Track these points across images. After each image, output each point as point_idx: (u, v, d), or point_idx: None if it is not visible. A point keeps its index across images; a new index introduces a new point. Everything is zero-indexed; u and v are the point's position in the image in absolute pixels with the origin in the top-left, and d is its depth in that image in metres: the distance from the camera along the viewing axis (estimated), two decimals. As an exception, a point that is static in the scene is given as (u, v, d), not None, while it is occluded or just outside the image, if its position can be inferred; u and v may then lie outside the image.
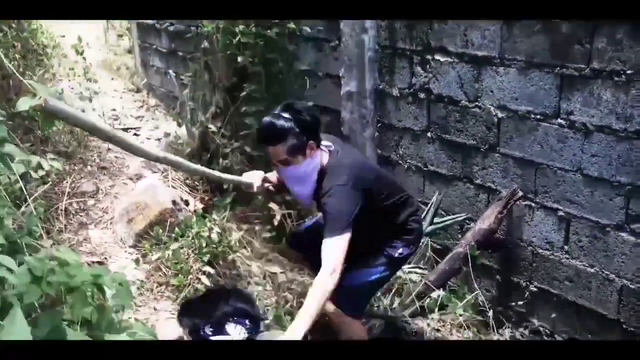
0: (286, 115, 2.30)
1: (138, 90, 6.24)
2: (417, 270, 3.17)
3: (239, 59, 3.70)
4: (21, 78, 1.67)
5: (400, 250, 2.51)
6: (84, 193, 3.73)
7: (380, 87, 3.54)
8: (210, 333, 2.29)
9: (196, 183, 4.09)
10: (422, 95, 3.31)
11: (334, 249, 2.18)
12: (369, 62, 3.52)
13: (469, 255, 2.96)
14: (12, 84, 3.82)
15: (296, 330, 2.05)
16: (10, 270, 1.10)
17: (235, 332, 2.31)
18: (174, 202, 3.51)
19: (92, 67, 6.86)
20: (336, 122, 3.77)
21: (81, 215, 3.51)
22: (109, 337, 1.17)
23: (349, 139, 3.69)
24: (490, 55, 2.90)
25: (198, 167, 2.69)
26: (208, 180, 3.89)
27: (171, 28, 5.40)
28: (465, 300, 2.95)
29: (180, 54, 5.39)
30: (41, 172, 1.74)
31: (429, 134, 3.33)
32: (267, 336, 2.33)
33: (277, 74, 3.95)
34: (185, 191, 3.99)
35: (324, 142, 2.43)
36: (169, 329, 2.64)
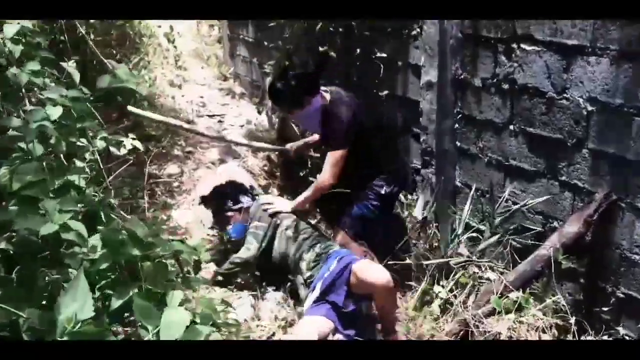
0: (280, 85, 3.13)
1: (225, 79, 6.46)
2: (495, 267, 3.05)
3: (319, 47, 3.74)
4: (102, 58, 1.77)
5: (385, 188, 3.27)
6: (170, 175, 3.94)
7: (462, 77, 3.43)
8: (232, 205, 3.30)
9: (274, 169, 4.19)
10: (505, 86, 3.17)
11: (335, 159, 3.11)
12: (450, 51, 3.42)
13: (552, 259, 2.81)
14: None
15: (292, 202, 3.28)
16: (81, 235, 1.17)
17: (247, 200, 3.34)
18: (251, 187, 3.62)
19: (184, 56, 7.21)
20: (415, 113, 3.71)
21: (166, 196, 3.71)
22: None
23: (427, 129, 3.62)
24: (581, 44, 2.72)
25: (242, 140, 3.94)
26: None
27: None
28: (544, 304, 2.80)
29: (266, 43, 5.50)
30: (123, 151, 1.84)
31: (511, 127, 3.19)
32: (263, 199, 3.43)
33: (355, 62, 3.95)
34: (264, 177, 4.10)
35: (322, 88, 3.21)
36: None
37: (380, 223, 3.39)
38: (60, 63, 1.62)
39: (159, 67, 6.30)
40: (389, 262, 3.20)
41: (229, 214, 3.33)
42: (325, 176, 3.15)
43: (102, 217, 1.53)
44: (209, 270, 3.18)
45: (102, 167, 1.55)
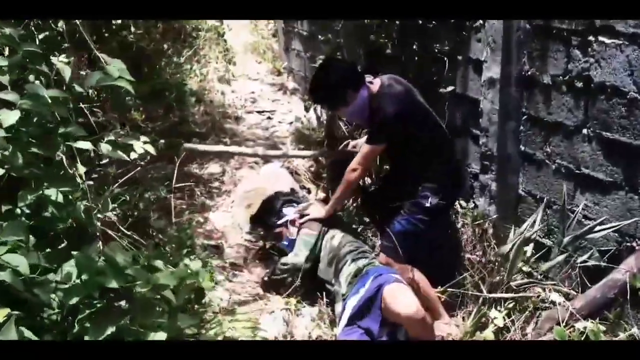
0: (319, 83, 2.89)
1: (279, 74, 6.28)
2: (561, 289, 2.67)
3: (372, 37, 3.47)
4: (96, 51, 1.57)
5: (430, 199, 2.86)
6: (211, 174, 3.78)
7: (529, 73, 3.06)
8: (276, 220, 3.11)
9: (321, 170, 3.94)
10: (579, 84, 2.78)
11: (365, 153, 2.86)
12: (516, 44, 3.05)
13: (628, 285, 2.42)
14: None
15: (326, 207, 3.06)
16: (17, 274, 0.97)
17: (290, 211, 3.10)
18: (292, 190, 3.39)
19: (240, 50, 7.08)
20: (474, 113, 3.36)
21: (205, 197, 3.55)
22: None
23: (487, 131, 3.27)
24: (674, 35, 2.31)
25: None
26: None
27: (311, 10, 5.29)
28: (617, 337, 2.42)
29: (320, 37, 5.26)
30: (134, 155, 1.65)
31: (585, 131, 2.80)
32: (310, 207, 3.18)
33: (412, 56, 3.64)
34: (309, 179, 3.86)
35: (368, 80, 2.92)
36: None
37: (430, 238, 3.03)
38: (51, 58, 1.45)
39: (213, 62, 6.20)
40: (437, 291, 2.87)
41: (277, 230, 3.16)
42: (351, 166, 2.91)
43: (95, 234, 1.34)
44: (250, 269, 3.03)
45: (84, 179, 1.35)
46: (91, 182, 1.54)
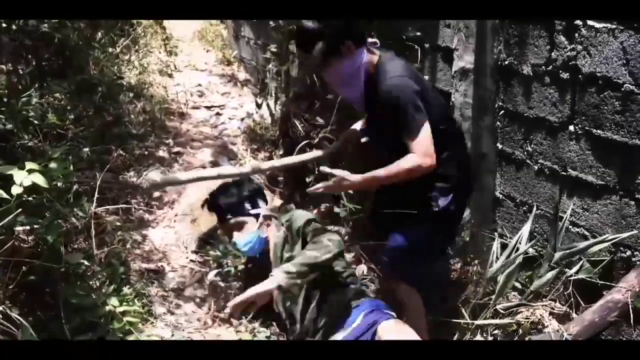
0: (312, 25, 2.25)
1: (229, 63, 5.81)
2: (554, 310, 2.36)
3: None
4: None
5: (439, 201, 2.37)
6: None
7: (506, 62, 2.73)
8: (250, 208, 2.64)
9: (277, 174, 3.54)
10: (564, 75, 2.47)
11: (423, 136, 2.19)
12: (491, 30, 2.73)
13: (630, 306, 2.13)
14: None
15: (356, 179, 2.30)
16: None
17: (264, 206, 2.67)
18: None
19: (186, 37, 6.54)
20: (445, 107, 3.03)
21: (143, 211, 3.09)
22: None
23: (459, 129, 2.94)
24: (677, 19, 2.01)
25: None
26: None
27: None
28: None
29: (272, 23, 4.82)
30: (17, 190, 1.21)
31: (572, 127, 2.49)
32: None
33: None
34: (264, 184, 3.46)
35: (370, 40, 2.36)
36: None
37: (434, 252, 2.54)
38: None
39: (156, 51, 5.67)
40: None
41: (243, 218, 2.62)
42: (427, 152, 2.21)
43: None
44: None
45: None
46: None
